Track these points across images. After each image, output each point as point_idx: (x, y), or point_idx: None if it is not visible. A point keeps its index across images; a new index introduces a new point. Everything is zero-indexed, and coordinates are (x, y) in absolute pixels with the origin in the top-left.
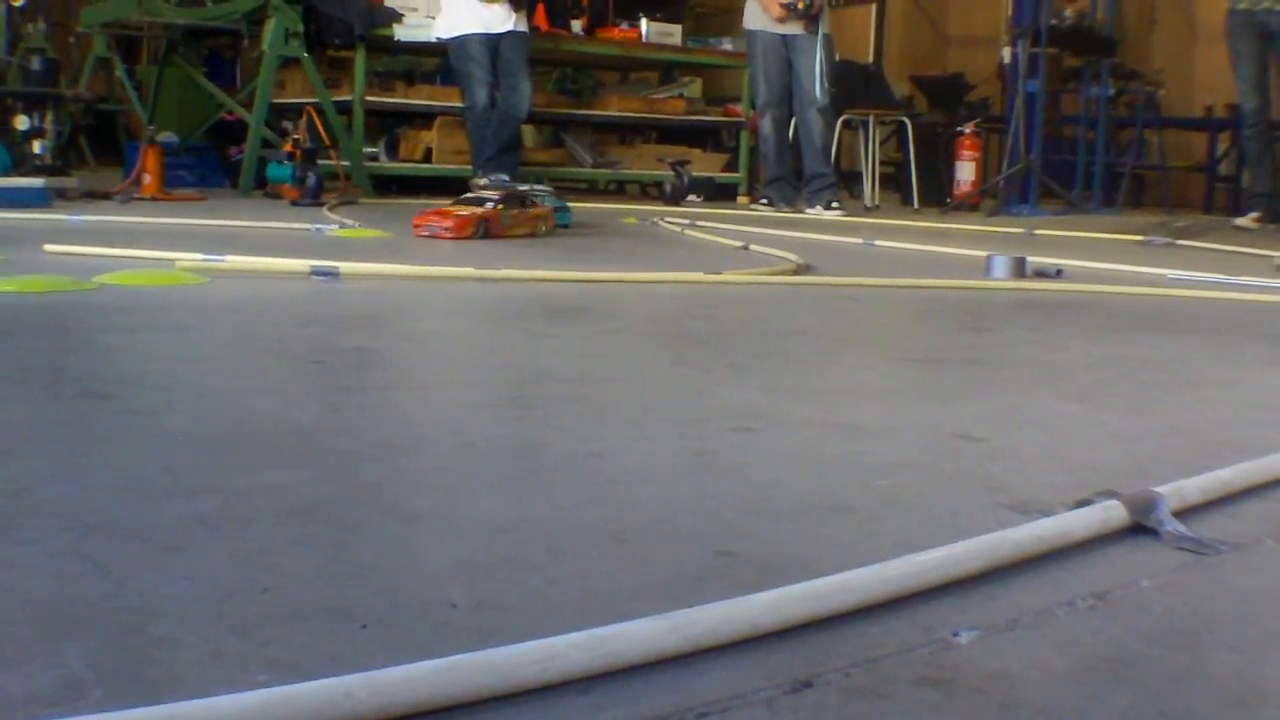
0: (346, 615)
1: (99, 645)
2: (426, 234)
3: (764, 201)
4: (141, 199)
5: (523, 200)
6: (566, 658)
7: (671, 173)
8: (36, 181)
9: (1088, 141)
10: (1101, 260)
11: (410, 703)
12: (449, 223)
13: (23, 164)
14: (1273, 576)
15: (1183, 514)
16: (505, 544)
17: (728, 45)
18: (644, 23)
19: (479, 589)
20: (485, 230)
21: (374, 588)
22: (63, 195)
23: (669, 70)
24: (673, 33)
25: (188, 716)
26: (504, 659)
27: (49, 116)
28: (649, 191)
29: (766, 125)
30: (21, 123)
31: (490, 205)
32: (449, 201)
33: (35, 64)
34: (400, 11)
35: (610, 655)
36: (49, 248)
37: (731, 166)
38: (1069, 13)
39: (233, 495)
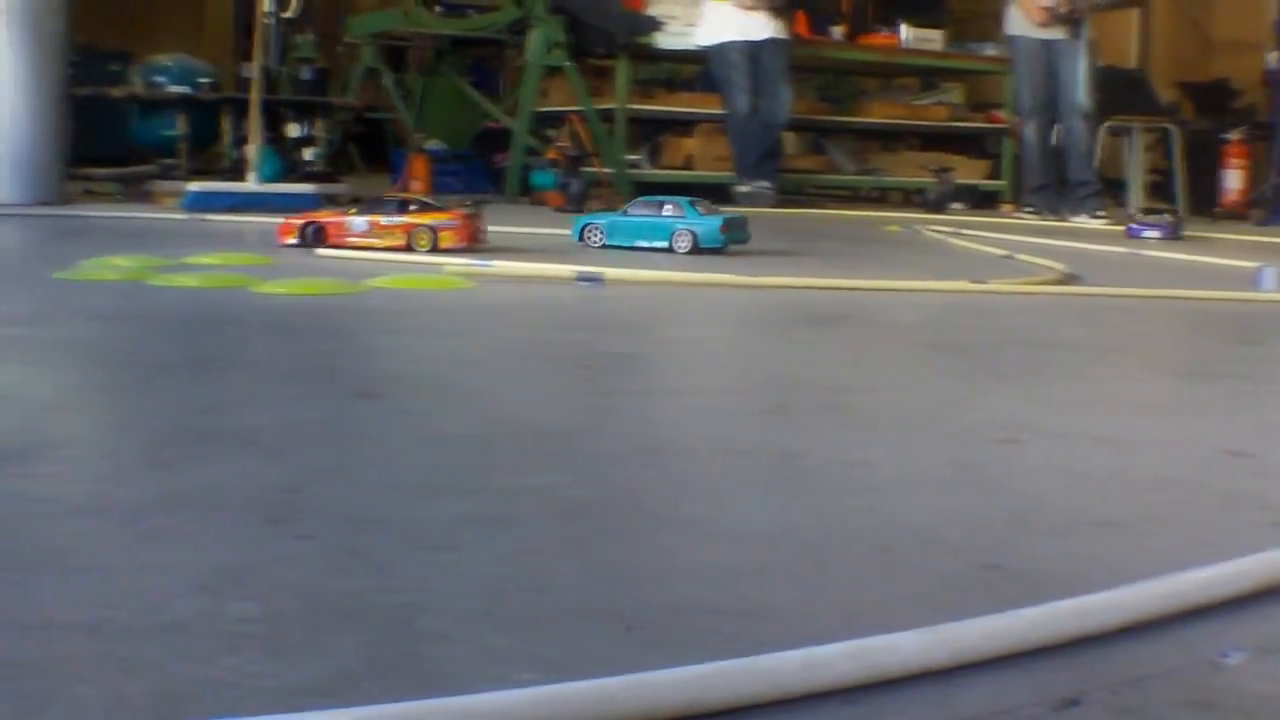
0: (611, 617)
1: (370, 639)
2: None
3: (1028, 209)
4: None
5: (403, 206)
6: (832, 667)
7: (934, 180)
8: (307, 187)
9: None
10: None
11: (674, 706)
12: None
13: (294, 170)
14: None
15: None
16: (768, 551)
17: (990, 50)
18: (904, 28)
19: (743, 595)
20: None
21: (638, 590)
22: (333, 201)
23: (930, 76)
24: (933, 38)
25: (457, 712)
26: (769, 666)
27: (319, 124)
28: (911, 199)
29: (1030, 132)
30: (293, 130)
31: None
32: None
33: (305, 74)
34: (661, 20)
35: (875, 667)
36: (321, 251)
37: (994, 174)
38: None
39: (499, 495)
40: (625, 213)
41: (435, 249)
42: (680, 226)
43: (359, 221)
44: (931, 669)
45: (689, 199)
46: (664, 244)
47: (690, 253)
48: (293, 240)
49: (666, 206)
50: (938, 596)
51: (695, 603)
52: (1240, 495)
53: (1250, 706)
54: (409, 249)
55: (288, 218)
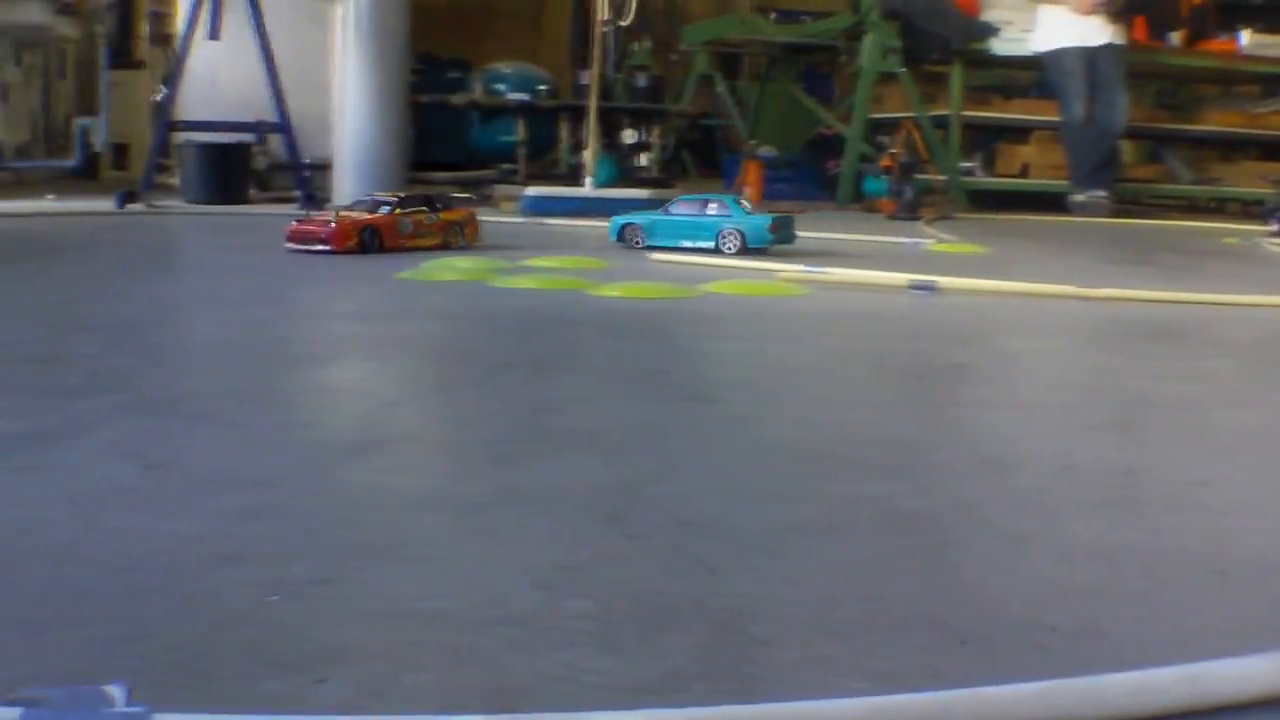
0: (945, 630)
1: (701, 640)
2: (300, 249)
3: None
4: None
5: (430, 204)
6: (1165, 692)
7: (1274, 190)
8: (643, 193)
9: None
10: None
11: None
12: (324, 233)
13: (629, 176)
14: None
15: None
16: (1105, 570)
17: None
18: (1244, 34)
19: (1078, 614)
20: (377, 241)
21: (972, 604)
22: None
23: (1272, 84)
24: (1275, 45)
25: (788, 718)
26: (1103, 687)
27: (654, 131)
28: (1250, 210)
29: None
30: (628, 136)
31: (385, 211)
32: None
33: (640, 81)
34: (996, 25)
35: (1209, 694)
36: (654, 255)
37: None
38: None
39: (831, 503)
40: (667, 211)
41: (464, 244)
42: (727, 226)
43: (406, 223)
44: (1270, 697)
45: (734, 196)
46: (709, 244)
47: (738, 253)
48: (353, 244)
49: (711, 205)
50: (1275, 623)
51: (1030, 618)
52: None
53: None
54: (446, 246)
55: (330, 221)
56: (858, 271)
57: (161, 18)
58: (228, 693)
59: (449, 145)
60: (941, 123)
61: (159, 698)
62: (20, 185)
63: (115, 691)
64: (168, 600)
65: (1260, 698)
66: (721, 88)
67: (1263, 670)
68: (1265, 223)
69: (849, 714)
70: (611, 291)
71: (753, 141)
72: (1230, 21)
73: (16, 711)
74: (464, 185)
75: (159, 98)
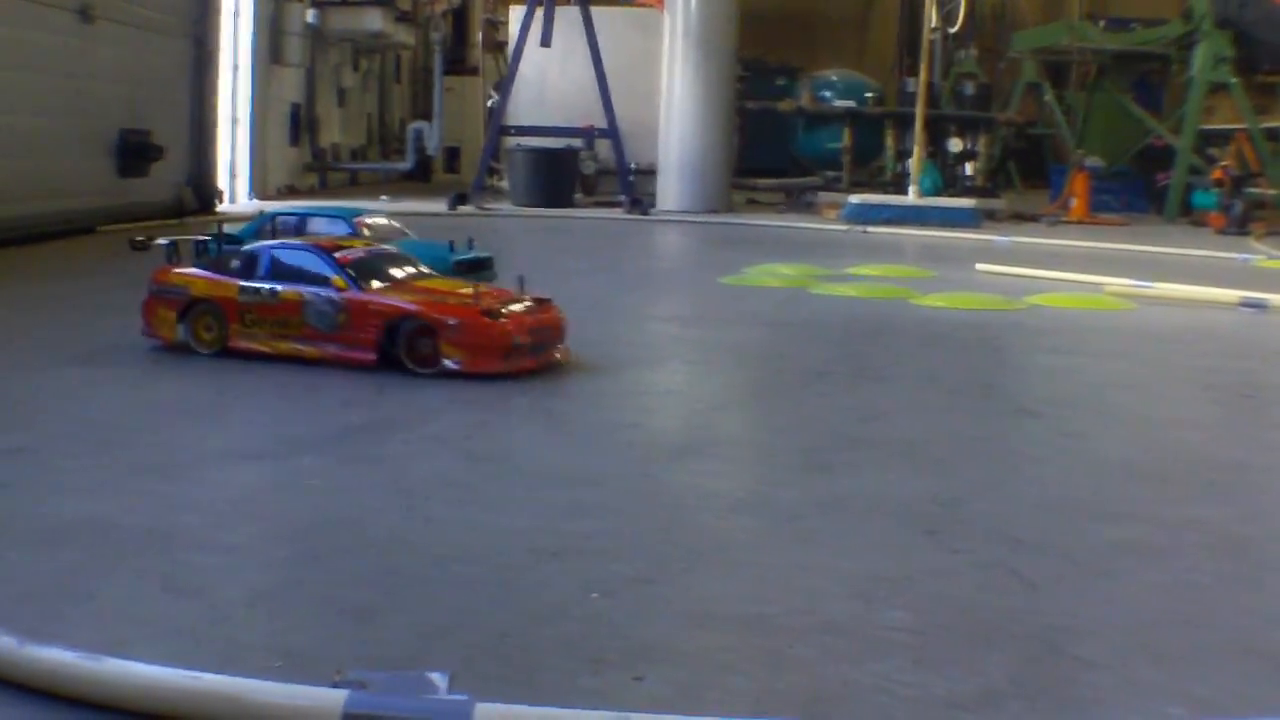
0: (1268, 658)
1: (1019, 658)
2: None
3: None
4: (1067, 222)
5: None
6: None
7: None
8: (967, 202)
9: None
10: None
11: None
12: None
13: (953, 185)
14: None
15: None
16: None
17: None
18: None
19: None
20: None
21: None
22: (991, 216)
23: None
24: None
25: None
26: None
27: (981, 140)
28: None
29: None
30: (955, 145)
31: None
32: None
33: (967, 89)
34: None
35: None
36: (980, 266)
37: None
38: None
39: (1158, 525)
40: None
41: None
42: None
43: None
44: None
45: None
46: None
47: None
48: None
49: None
50: None
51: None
52: None
53: None
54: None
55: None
56: (1186, 287)
57: (495, 25)
58: (548, 686)
59: (774, 151)
60: (1275, 135)
61: (481, 687)
62: (355, 186)
63: (438, 679)
64: (493, 591)
65: None
66: (1049, 96)
67: None
68: None
69: None
70: (935, 301)
71: (1080, 152)
72: None
73: (343, 694)
74: (786, 191)
75: (491, 103)
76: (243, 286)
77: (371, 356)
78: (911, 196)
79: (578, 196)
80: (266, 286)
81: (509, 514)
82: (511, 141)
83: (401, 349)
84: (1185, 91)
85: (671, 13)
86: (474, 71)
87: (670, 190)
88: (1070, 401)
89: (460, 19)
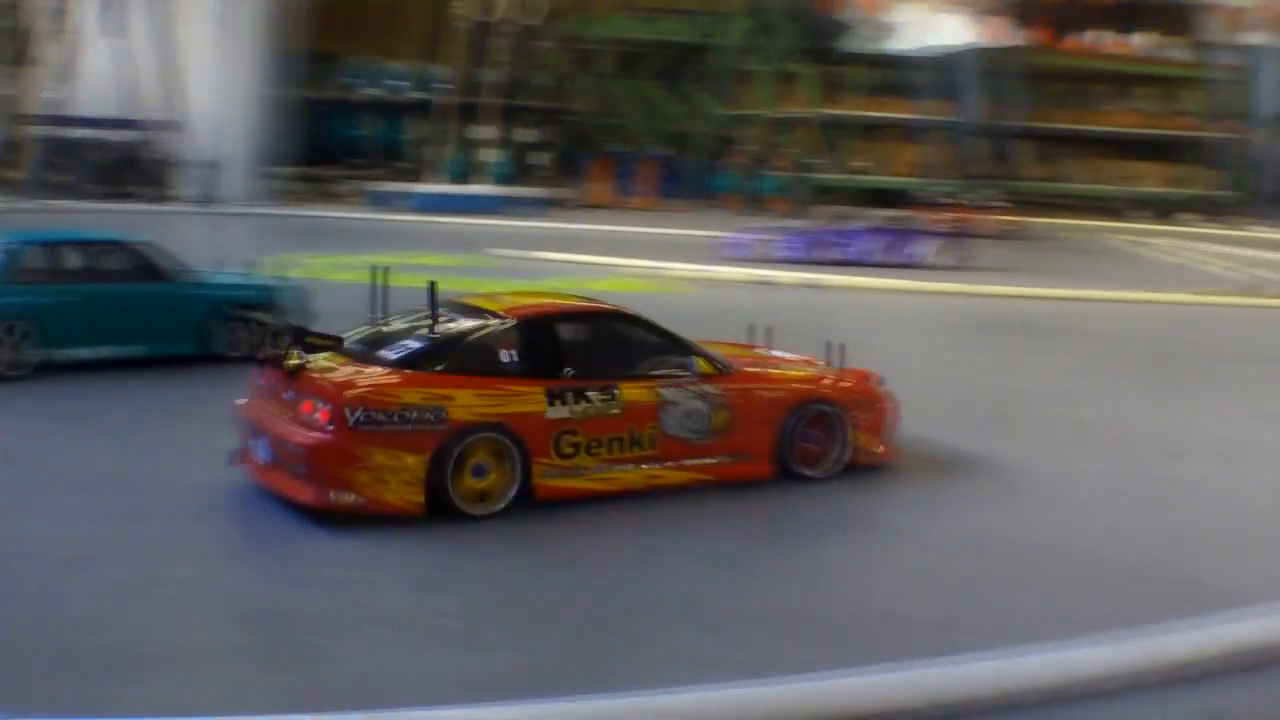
0: (806, 619)
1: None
2: None
3: (1222, 218)
4: (634, 209)
5: None
6: (1024, 676)
7: (1124, 188)
8: (536, 191)
9: None
10: None
11: (876, 708)
12: None
13: (524, 173)
14: None
15: None
16: (964, 560)
17: (1186, 57)
18: (1103, 35)
19: (938, 604)
20: None
21: (839, 598)
22: (560, 204)
23: (1122, 83)
24: (1131, 45)
25: (657, 710)
26: (960, 674)
27: (546, 129)
28: (1103, 206)
29: (1225, 140)
30: (524, 135)
31: None
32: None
33: (539, 79)
34: (860, 25)
35: (1067, 676)
36: (537, 254)
37: (1187, 182)
38: None
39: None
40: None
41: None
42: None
43: None
44: (1120, 681)
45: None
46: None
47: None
48: None
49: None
50: (1126, 607)
51: (899, 610)
52: None
53: None
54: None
55: None
56: (738, 269)
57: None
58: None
59: (342, 142)
60: (837, 122)
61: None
62: None
63: None
64: None
65: (1113, 681)
66: (620, 86)
67: (1113, 655)
68: (1163, 221)
69: (711, 704)
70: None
71: (647, 140)
72: (1128, 25)
73: None
74: (360, 182)
75: (46, 95)
76: (554, 391)
77: (768, 467)
78: (481, 186)
79: (146, 190)
80: (596, 388)
81: None
82: (66, 132)
83: (790, 447)
84: (754, 81)
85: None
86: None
87: (231, 181)
88: None
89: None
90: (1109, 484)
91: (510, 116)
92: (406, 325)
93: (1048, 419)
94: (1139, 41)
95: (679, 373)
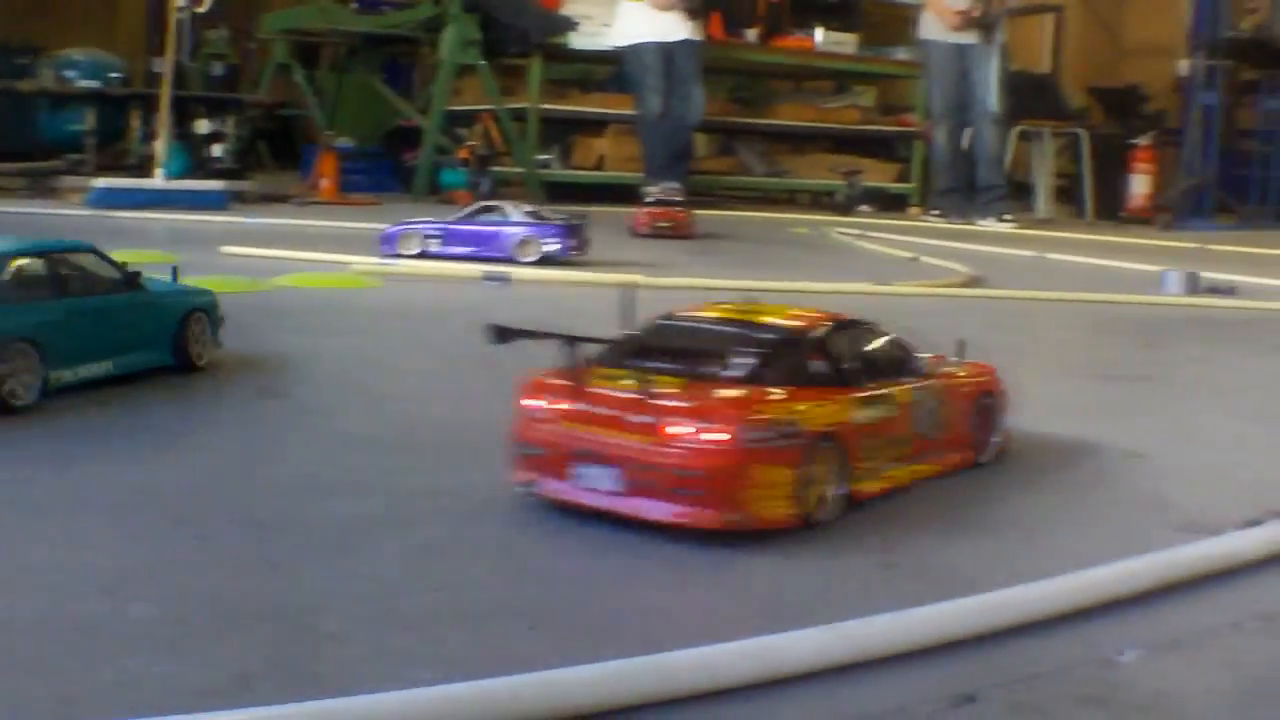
0: (518, 615)
1: (268, 641)
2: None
3: (936, 212)
4: (318, 203)
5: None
6: (732, 666)
7: (843, 182)
8: (215, 184)
9: (1264, 155)
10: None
11: (577, 704)
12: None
13: (202, 167)
14: None
15: None
16: (676, 554)
17: (902, 55)
18: (818, 31)
19: (648, 598)
20: None
21: (545, 590)
22: (241, 198)
23: (843, 79)
24: (847, 42)
25: (353, 712)
26: (669, 665)
27: (229, 121)
28: (820, 201)
29: (940, 135)
30: (202, 127)
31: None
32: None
33: (216, 70)
34: (576, 20)
35: (775, 664)
36: (226, 249)
37: (904, 177)
38: (1245, 25)
39: (399, 496)
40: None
41: None
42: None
43: None
44: (830, 666)
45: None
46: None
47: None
48: None
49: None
50: (838, 594)
51: (601, 603)
52: (1138, 495)
53: (1143, 703)
54: None
55: None
56: (431, 263)
57: None
58: None
59: (14, 135)
60: (521, 115)
61: None
62: None
63: None
64: None
65: (823, 667)
66: (300, 77)
67: (827, 641)
68: (839, 213)
69: (412, 704)
70: None
71: (329, 133)
72: (805, 19)
73: None
74: (28, 176)
75: None
76: (860, 398)
77: (971, 456)
78: (159, 179)
79: None
80: (883, 392)
81: None
82: None
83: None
84: (435, 73)
85: None
86: None
87: None
88: (314, 381)
89: None
90: None
91: (224, 109)
92: (684, 338)
93: None
94: (818, 37)
95: (916, 373)
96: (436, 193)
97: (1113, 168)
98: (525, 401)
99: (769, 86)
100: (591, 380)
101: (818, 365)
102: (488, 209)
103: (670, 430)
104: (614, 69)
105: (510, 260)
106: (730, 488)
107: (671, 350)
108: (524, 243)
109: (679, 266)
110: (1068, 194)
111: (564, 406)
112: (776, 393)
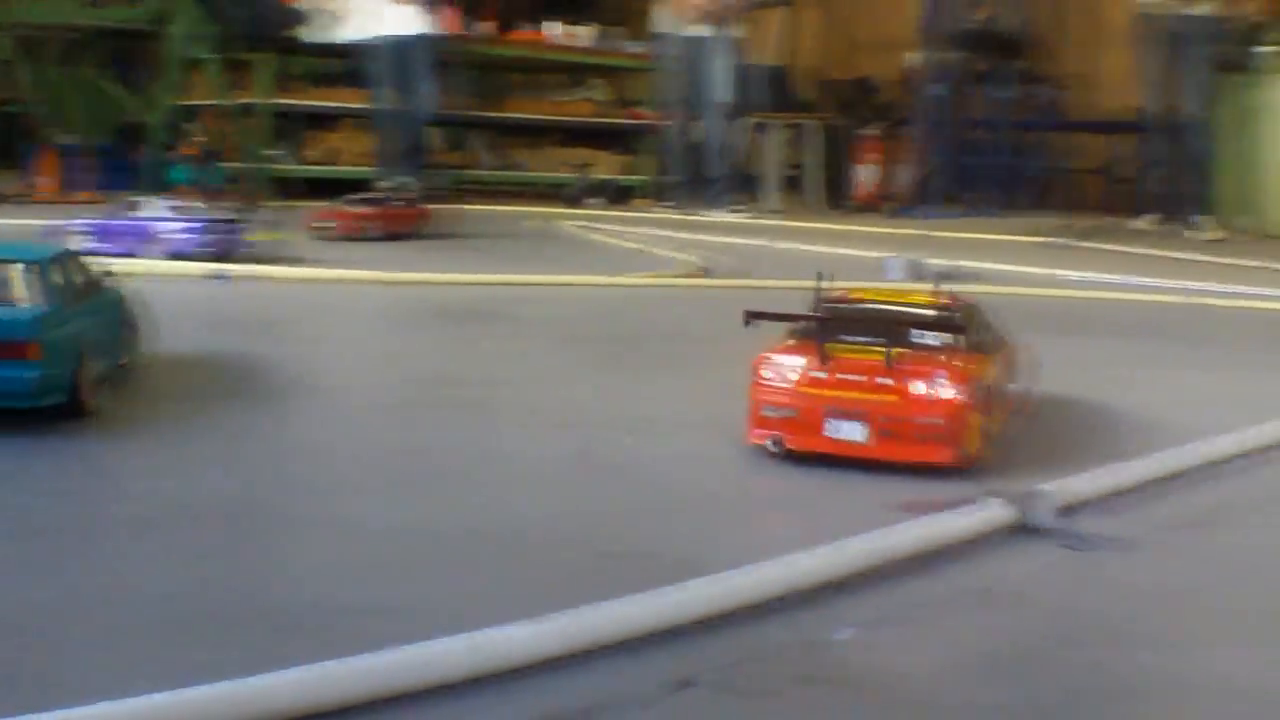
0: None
1: None
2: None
3: (668, 204)
4: (39, 202)
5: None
6: (449, 661)
7: (575, 175)
8: None
9: (991, 144)
10: (1002, 262)
11: (285, 707)
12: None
13: None
14: (1151, 574)
15: (1069, 511)
16: (394, 548)
17: (636, 48)
18: (552, 25)
19: (366, 593)
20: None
21: (273, 590)
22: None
23: (577, 72)
24: (581, 36)
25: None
26: (384, 663)
27: None
28: (554, 194)
29: (672, 127)
30: None
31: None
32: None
33: None
34: (309, 13)
35: (492, 657)
36: None
37: (636, 169)
38: (977, 17)
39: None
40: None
41: None
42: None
43: None
44: (547, 658)
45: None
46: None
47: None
48: None
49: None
50: (557, 585)
51: (325, 601)
52: (852, 478)
53: (860, 680)
54: None
55: None
56: (152, 262)
57: None
58: None
59: None
60: (252, 110)
61: None
62: None
63: None
64: None
65: (539, 658)
66: (23, 73)
67: (542, 633)
68: (571, 206)
69: (130, 712)
70: None
71: (53, 129)
72: (540, 13)
73: None
74: None
75: None
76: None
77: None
78: None
79: None
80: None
81: None
82: None
83: None
84: (166, 68)
85: None
86: None
87: None
88: None
89: None
90: (563, 465)
91: None
92: (871, 319)
93: (502, 402)
94: (553, 31)
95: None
96: (168, 189)
97: (842, 158)
98: (764, 372)
99: (504, 80)
100: (828, 354)
101: (974, 337)
102: (134, 204)
103: (913, 391)
104: (348, 63)
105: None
106: (958, 432)
107: (866, 329)
108: (156, 239)
109: (410, 263)
110: (798, 184)
111: (812, 375)
112: (969, 359)
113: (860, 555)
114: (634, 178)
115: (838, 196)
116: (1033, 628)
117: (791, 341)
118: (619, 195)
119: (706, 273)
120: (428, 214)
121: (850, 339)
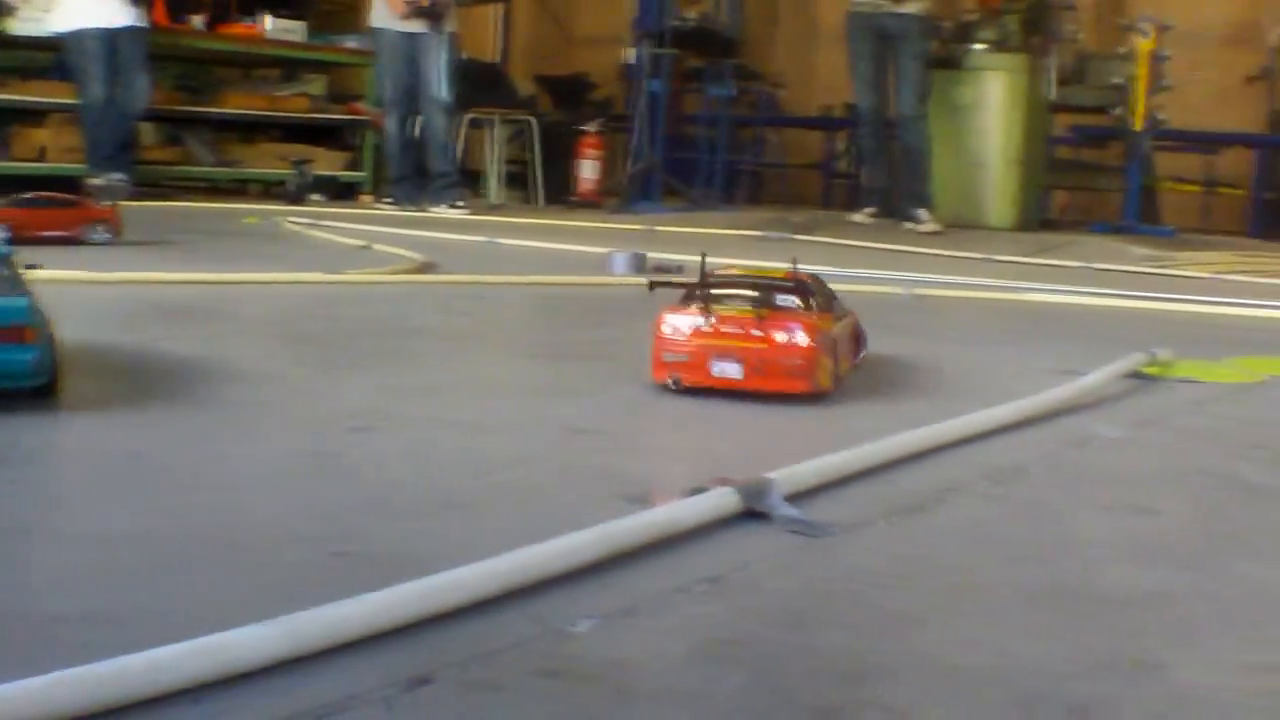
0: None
1: None
2: None
3: (388, 200)
4: None
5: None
6: (177, 667)
7: (294, 171)
8: None
9: (709, 140)
10: (721, 255)
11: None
12: None
13: None
14: (881, 555)
15: (796, 498)
16: (116, 554)
17: (352, 43)
18: (267, 19)
19: (88, 601)
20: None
21: None
22: None
23: (292, 67)
24: (296, 29)
25: None
26: (112, 671)
27: None
28: (271, 191)
29: (391, 123)
30: None
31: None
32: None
33: None
34: (14, 4)
35: (222, 663)
36: None
37: (355, 165)
38: (692, 14)
39: None
40: None
41: None
42: None
43: None
44: (278, 661)
45: None
46: None
47: None
48: None
49: None
50: (288, 587)
51: (38, 611)
52: (586, 470)
53: (597, 671)
54: None
55: None
56: None
57: None
58: None
59: None
60: None
61: None
62: None
63: None
64: None
65: (272, 662)
66: None
67: (273, 635)
68: (290, 202)
69: None
70: None
71: None
72: (252, 6)
73: None
74: None
75: None
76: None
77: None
78: None
79: None
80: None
81: None
82: None
83: None
84: None
85: None
86: None
87: None
88: None
89: None
90: (293, 463)
91: None
92: (742, 284)
93: (187, 403)
94: (267, 24)
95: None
96: None
97: (562, 154)
98: (664, 326)
99: (217, 74)
100: (710, 310)
101: (815, 300)
102: None
103: (778, 339)
104: (55, 56)
105: None
106: (813, 370)
107: (739, 293)
108: None
109: (123, 262)
110: (520, 180)
111: (700, 328)
112: (816, 316)
113: (592, 546)
114: (353, 173)
115: (559, 192)
116: (767, 613)
117: (682, 304)
118: (338, 191)
119: (427, 269)
120: (107, 214)
121: (728, 301)
